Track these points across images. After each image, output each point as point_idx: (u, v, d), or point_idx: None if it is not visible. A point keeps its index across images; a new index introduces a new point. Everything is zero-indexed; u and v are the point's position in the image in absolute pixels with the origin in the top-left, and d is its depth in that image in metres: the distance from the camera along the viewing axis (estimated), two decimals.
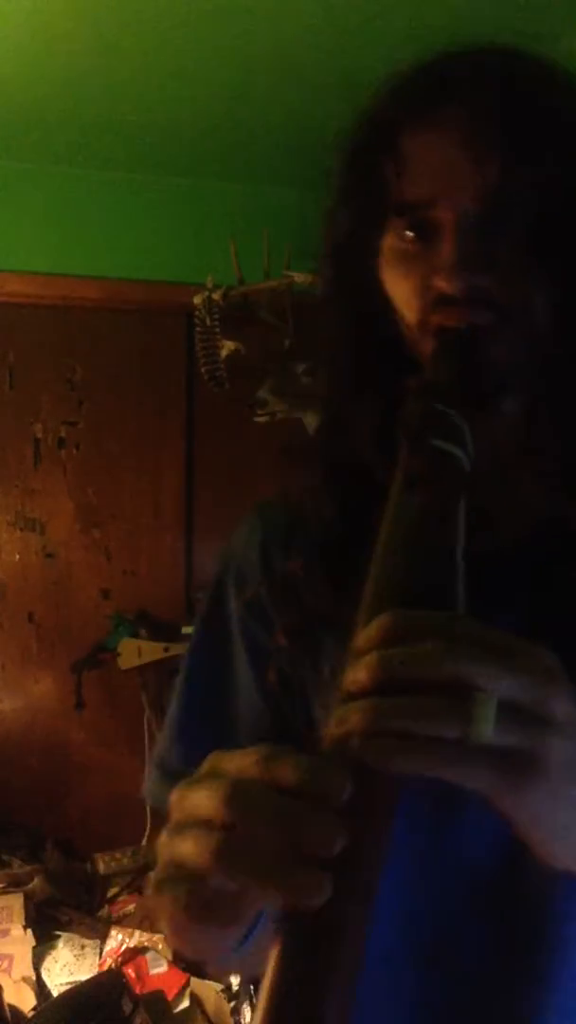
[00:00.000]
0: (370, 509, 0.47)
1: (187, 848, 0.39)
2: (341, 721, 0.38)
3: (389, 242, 0.55)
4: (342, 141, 0.58)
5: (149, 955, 2.01)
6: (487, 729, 0.35)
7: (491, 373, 0.52)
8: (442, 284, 0.51)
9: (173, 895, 0.39)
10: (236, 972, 0.56)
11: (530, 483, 0.58)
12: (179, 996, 1.92)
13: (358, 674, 0.38)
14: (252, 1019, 0.44)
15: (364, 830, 0.37)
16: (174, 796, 0.41)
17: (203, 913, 0.39)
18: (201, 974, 1.94)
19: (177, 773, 0.45)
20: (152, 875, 0.41)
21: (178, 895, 0.39)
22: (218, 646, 0.70)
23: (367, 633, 0.39)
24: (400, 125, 0.53)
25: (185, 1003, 1.91)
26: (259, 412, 2.14)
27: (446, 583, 0.42)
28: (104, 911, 2.25)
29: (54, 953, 2.05)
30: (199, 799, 0.39)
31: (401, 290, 0.55)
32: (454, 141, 0.51)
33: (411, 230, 0.54)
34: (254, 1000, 1.71)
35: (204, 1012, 1.88)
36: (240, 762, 0.39)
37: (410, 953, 0.56)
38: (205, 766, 0.41)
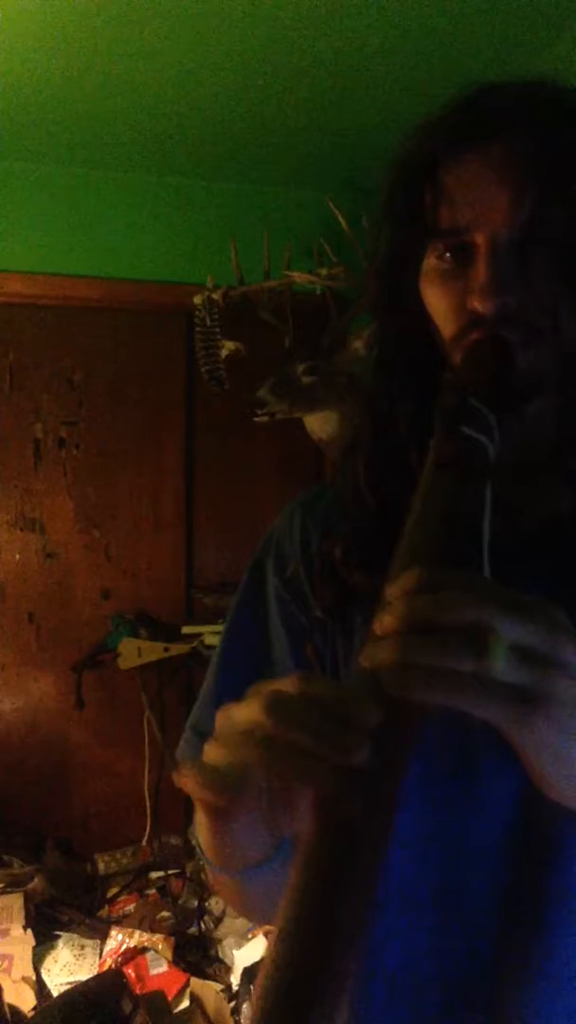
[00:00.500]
0: (404, 498, 0.52)
1: (221, 751, 0.45)
2: (369, 657, 0.42)
3: (429, 263, 0.61)
4: (388, 169, 0.64)
5: (149, 955, 2.01)
6: (499, 665, 0.40)
7: (519, 380, 0.57)
8: (476, 304, 0.57)
9: (211, 775, 0.45)
10: (253, 899, 0.62)
11: (556, 479, 0.63)
12: (179, 996, 1.92)
13: (387, 618, 0.43)
14: (275, 926, 0.48)
15: (388, 753, 0.42)
16: (219, 715, 0.47)
17: (238, 785, 0.45)
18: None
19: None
20: (190, 768, 0.47)
21: (215, 775, 0.45)
22: (256, 621, 0.75)
23: (396, 585, 0.44)
24: (440, 157, 0.59)
25: (185, 1003, 1.91)
26: (259, 412, 2.14)
27: (470, 550, 0.48)
28: (104, 911, 2.26)
29: (54, 953, 2.05)
30: (241, 712, 0.45)
31: (439, 307, 0.61)
32: (490, 173, 0.57)
33: (449, 253, 0.60)
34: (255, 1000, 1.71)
35: (204, 1012, 1.88)
36: (279, 684, 0.45)
37: (431, 897, 0.61)
38: (249, 692, 0.46)
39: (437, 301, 0.61)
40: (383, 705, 0.42)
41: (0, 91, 2.10)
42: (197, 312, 2.24)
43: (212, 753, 0.47)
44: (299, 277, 2.17)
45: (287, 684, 0.44)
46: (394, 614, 0.42)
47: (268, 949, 0.41)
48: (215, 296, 2.20)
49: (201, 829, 0.52)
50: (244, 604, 0.77)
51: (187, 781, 0.46)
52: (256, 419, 2.15)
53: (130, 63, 1.98)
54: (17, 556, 2.58)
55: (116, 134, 2.33)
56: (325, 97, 2.11)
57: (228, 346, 2.20)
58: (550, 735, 0.42)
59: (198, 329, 2.24)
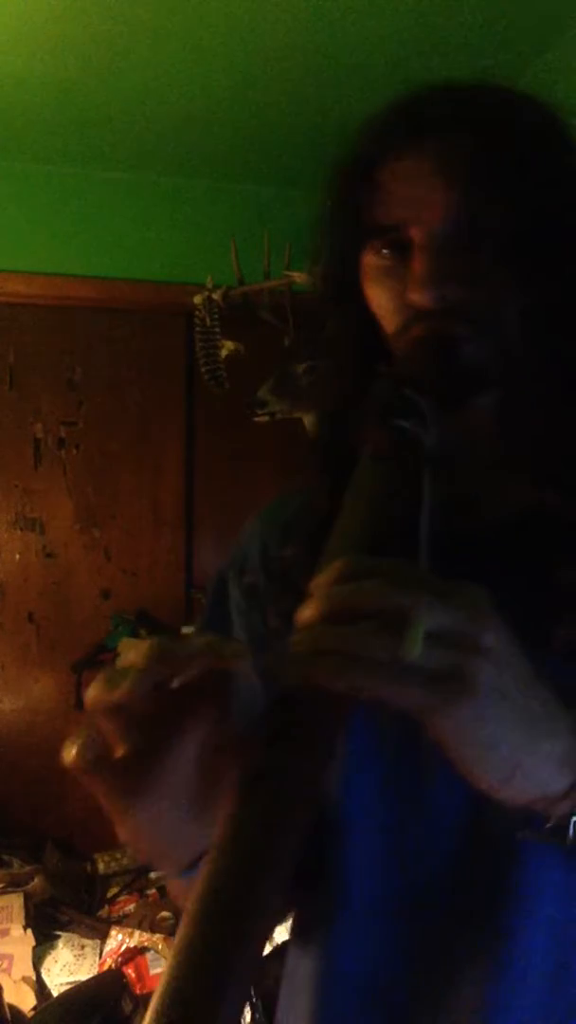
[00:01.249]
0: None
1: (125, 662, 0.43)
2: (293, 646, 0.42)
3: (369, 260, 0.62)
4: (327, 172, 0.65)
5: (149, 955, 2.01)
6: (415, 649, 0.39)
7: (463, 373, 0.57)
8: (415, 296, 0.57)
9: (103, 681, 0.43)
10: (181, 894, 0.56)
11: (511, 474, 0.63)
12: None
13: (307, 610, 0.42)
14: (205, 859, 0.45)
15: (310, 733, 0.42)
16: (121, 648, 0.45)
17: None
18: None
19: None
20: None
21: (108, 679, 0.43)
22: (219, 633, 0.73)
23: (319, 578, 0.43)
24: (376, 157, 0.60)
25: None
26: (259, 412, 2.14)
27: (399, 541, 0.47)
28: (104, 911, 2.25)
29: (54, 953, 2.05)
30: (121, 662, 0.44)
31: (381, 303, 0.61)
32: (424, 169, 0.58)
33: (387, 249, 0.60)
34: (254, 999, 1.71)
35: None
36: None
37: (393, 904, 0.60)
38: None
39: (378, 297, 0.61)
40: (306, 694, 0.41)
41: (0, 91, 2.10)
42: (197, 312, 2.23)
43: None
44: (299, 277, 2.17)
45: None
46: (313, 605, 0.42)
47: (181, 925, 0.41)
48: (215, 296, 2.20)
49: (119, 828, 0.49)
50: (209, 620, 0.77)
51: (89, 696, 0.44)
52: (256, 419, 2.15)
53: (130, 63, 1.98)
54: (17, 556, 2.58)
55: (116, 134, 2.33)
56: (325, 97, 2.11)
57: (228, 346, 2.20)
58: (471, 725, 0.41)
59: (198, 329, 2.24)
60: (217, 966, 0.38)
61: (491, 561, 0.57)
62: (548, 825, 0.46)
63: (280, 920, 0.69)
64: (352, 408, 0.64)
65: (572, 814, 0.46)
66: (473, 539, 0.59)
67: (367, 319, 0.63)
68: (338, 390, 0.67)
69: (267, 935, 0.41)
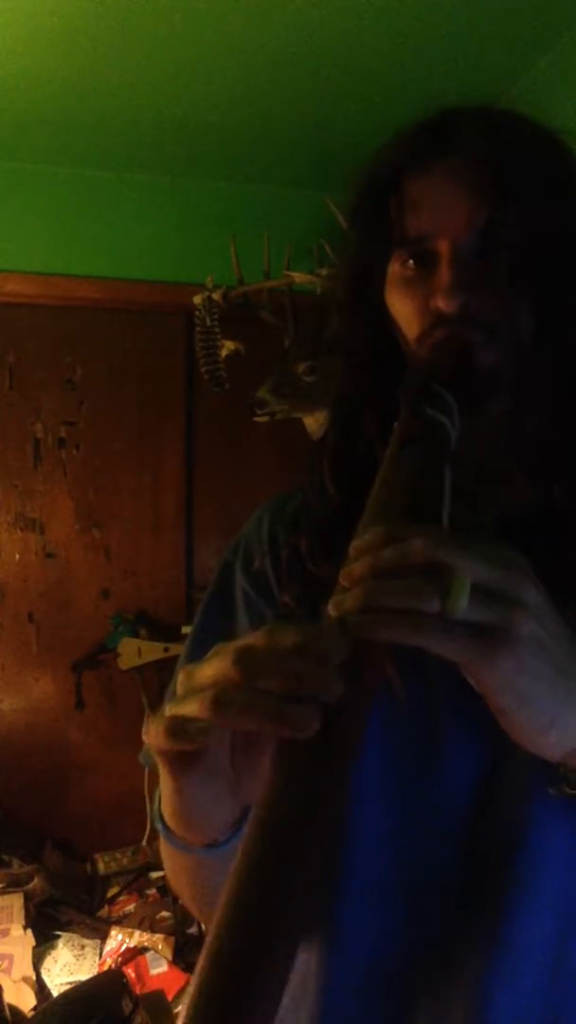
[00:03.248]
0: (367, 490, 0.53)
1: (190, 707, 0.44)
2: (336, 605, 0.44)
3: (394, 270, 0.65)
4: (355, 181, 0.68)
5: (149, 955, 2.01)
6: (462, 603, 0.41)
7: (479, 377, 0.60)
8: (439, 303, 0.60)
9: (173, 722, 0.45)
10: (208, 883, 0.59)
11: (517, 472, 0.66)
12: (179, 996, 1.92)
13: (354, 568, 0.44)
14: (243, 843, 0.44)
15: (354, 692, 0.42)
16: (180, 675, 0.47)
17: (194, 732, 0.44)
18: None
19: None
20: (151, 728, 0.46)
21: (177, 722, 0.45)
22: (223, 622, 0.75)
23: (361, 540, 0.45)
24: (404, 170, 0.63)
25: (185, 1003, 1.91)
26: (259, 412, 2.14)
27: (434, 517, 0.49)
28: (104, 911, 2.26)
29: (54, 953, 2.05)
30: (205, 669, 0.45)
31: (404, 311, 0.64)
32: (451, 183, 0.61)
33: (412, 260, 0.63)
34: None
35: None
36: (245, 639, 0.44)
37: (400, 888, 0.61)
38: (211, 652, 0.46)
39: (402, 305, 0.64)
40: (350, 648, 0.42)
41: (1, 91, 2.10)
42: (197, 312, 2.23)
43: (175, 711, 0.46)
44: (299, 277, 2.17)
45: (253, 637, 0.44)
46: (361, 563, 0.44)
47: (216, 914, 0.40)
48: (215, 296, 2.20)
49: (165, 792, 0.52)
50: (212, 605, 0.78)
51: (151, 733, 0.46)
52: (256, 419, 2.16)
53: (130, 63, 1.98)
54: (17, 556, 2.58)
55: (116, 134, 2.33)
56: (325, 97, 2.11)
57: (228, 346, 2.20)
58: (513, 675, 0.43)
59: (198, 329, 2.24)
60: (256, 961, 0.38)
61: None
62: None
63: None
64: (367, 409, 0.68)
65: None
66: (472, 533, 0.62)
67: (384, 324, 0.66)
68: (353, 388, 0.70)
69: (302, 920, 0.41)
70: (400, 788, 0.61)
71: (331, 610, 0.44)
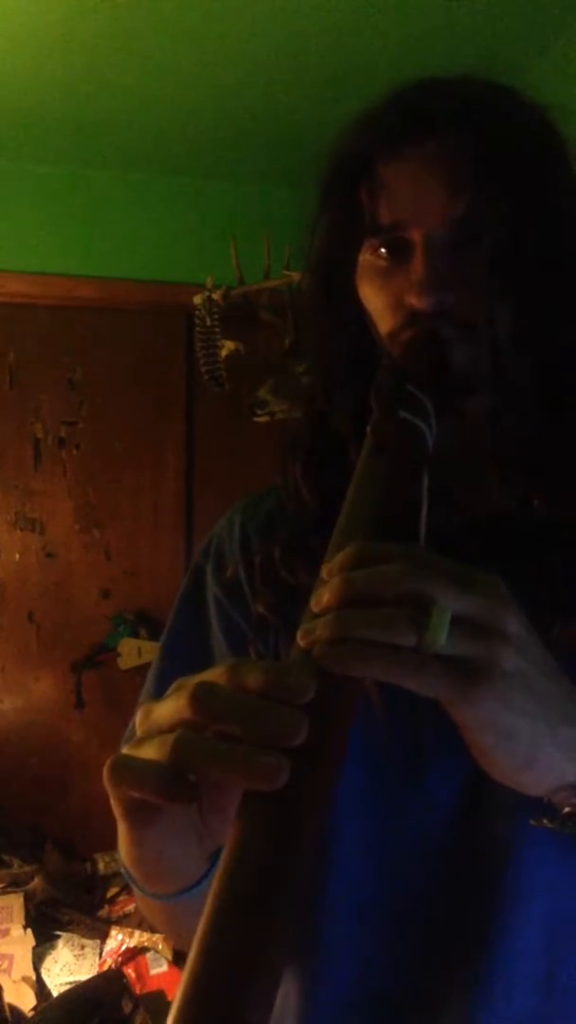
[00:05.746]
0: (342, 494, 0.50)
1: (149, 751, 0.40)
2: (305, 634, 0.40)
3: (365, 259, 0.61)
4: (323, 167, 0.63)
5: (149, 955, 2.01)
6: (440, 637, 0.38)
7: (455, 375, 0.57)
8: (413, 300, 0.57)
9: (129, 779, 0.40)
10: (186, 927, 0.45)
11: (494, 474, 0.62)
12: None
13: (323, 595, 0.40)
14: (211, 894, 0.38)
15: (324, 731, 0.38)
16: (139, 713, 0.42)
17: (160, 789, 0.39)
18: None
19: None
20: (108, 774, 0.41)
21: (134, 778, 0.40)
22: (195, 627, 0.72)
23: (333, 562, 0.42)
24: (377, 153, 0.59)
25: None
26: (259, 412, 2.14)
27: (408, 527, 0.46)
28: (104, 911, 2.25)
29: (54, 953, 2.05)
30: (164, 708, 0.40)
31: (376, 304, 0.61)
32: (427, 170, 0.57)
33: (385, 249, 0.59)
34: None
35: None
36: (206, 675, 0.40)
37: (384, 905, 0.59)
38: (171, 688, 0.41)
39: (374, 297, 0.61)
40: (319, 682, 0.38)
41: (1, 91, 2.10)
42: (197, 312, 2.23)
43: (133, 753, 0.41)
44: (299, 277, 2.17)
45: (214, 674, 0.40)
46: (331, 589, 0.40)
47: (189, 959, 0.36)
48: (215, 296, 2.20)
49: (122, 842, 0.46)
50: (183, 610, 0.74)
51: (105, 777, 0.41)
52: (256, 419, 2.15)
53: (129, 63, 1.98)
54: (17, 556, 2.57)
55: (115, 134, 2.33)
56: (326, 97, 2.11)
57: (228, 346, 2.20)
58: (494, 710, 0.40)
59: (198, 329, 2.24)
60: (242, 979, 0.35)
61: (468, 557, 0.57)
62: (564, 812, 0.46)
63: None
64: (339, 406, 0.64)
65: None
66: (451, 534, 0.59)
67: (356, 315, 0.62)
68: (325, 387, 0.66)
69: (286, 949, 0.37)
70: (383, 804, 0.58)
71: (299, 639, 0.40)
